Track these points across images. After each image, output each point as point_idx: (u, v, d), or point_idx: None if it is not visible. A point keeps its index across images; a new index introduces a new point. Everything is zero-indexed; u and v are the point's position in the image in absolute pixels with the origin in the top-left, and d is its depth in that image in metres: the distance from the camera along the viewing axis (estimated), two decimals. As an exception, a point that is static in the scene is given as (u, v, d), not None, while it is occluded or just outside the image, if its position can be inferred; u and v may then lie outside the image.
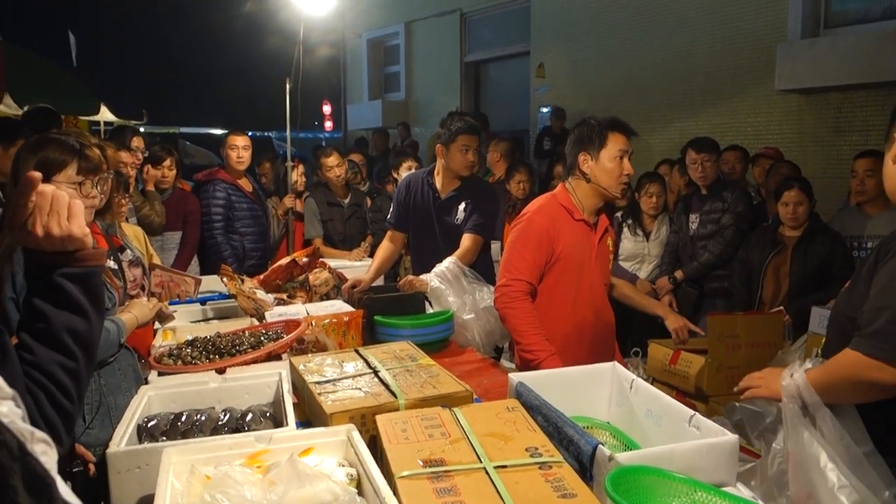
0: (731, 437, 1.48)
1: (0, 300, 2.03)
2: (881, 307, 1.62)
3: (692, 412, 1.61)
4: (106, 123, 8.34)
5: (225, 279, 3.11)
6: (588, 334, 2.76)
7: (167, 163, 4.52)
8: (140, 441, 1.74)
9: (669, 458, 1.42)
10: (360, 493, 1.38)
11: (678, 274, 4.50)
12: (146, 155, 4.59)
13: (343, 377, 1.92)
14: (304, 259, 3.58)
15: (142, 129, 12.59)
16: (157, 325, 2.79)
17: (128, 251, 2.82)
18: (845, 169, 4.22)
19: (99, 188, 2.18)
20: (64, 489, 0.70)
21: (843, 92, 6.26)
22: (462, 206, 3.50)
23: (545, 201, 2.81)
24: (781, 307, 3.76)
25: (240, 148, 4.73)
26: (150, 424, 1.78)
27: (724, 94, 7.21)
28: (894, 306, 1.60)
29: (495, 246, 4.61)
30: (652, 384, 1.93)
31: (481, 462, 1.39)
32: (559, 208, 2.74)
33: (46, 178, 2.04)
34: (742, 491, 1.47)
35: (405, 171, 5.14)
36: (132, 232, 3.38)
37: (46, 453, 0.72)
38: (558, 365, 2.48)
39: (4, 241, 2.04)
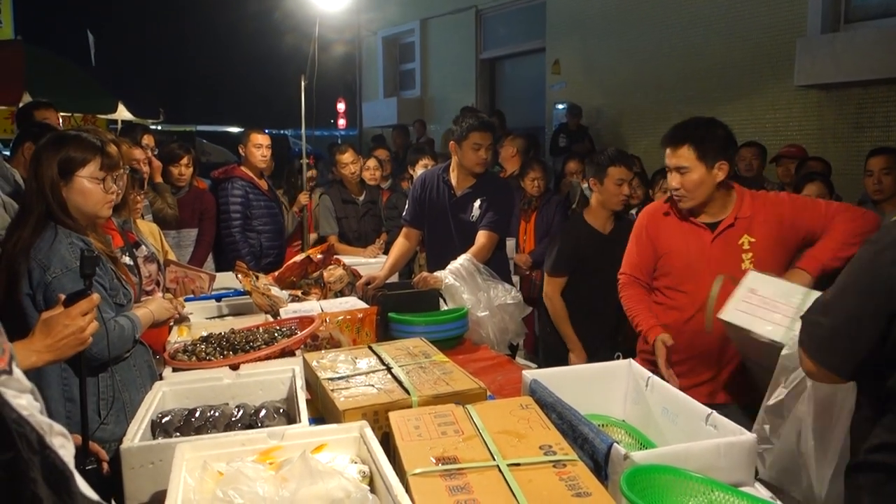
0: (749, 436, 1.46)
1: (17, 296, 2.05)
2: (821, 301, 1.58)
3: (709, 410, 1.58)
4: (123, 122, 8.40)
5: (240, 276, 3.12)
6: (692, 342, 2.53)
7: (184, 160, 4.53)
8: (154, 436, 1.74)
9: (686, 457, 1.40)
10: (373, 490, 1.37)
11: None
12: (156, 153, 4.62)
13: (356, 374, 1.91)
14: (319, 256, 3.58)
15: (159, 128, 12.71)
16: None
17: (143, 247, 2.84)
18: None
19: (117, 184, 2.21)
20: (81, 482, 0.70)
21: (863, 87, 6.17)
22: (478, 203, 3.48)
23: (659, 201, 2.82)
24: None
25: (263, 147, 4.78)
26: (164, 420, 1.79)
27: (742, 90, 7.14)
28: (826, 302, 1.56)
29: (510, 243, 4.59)
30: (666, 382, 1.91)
31: (495, 460, 1.38)
32: (667, 206, 2.69)
33: (69, 175, 2.10)
34: (760, 491, 1.44)
35: (421, 169, 5.13)
36: (147, 228, 3.40)
37: (65, 446, 0.72)
38: (659, 333, 2.49)
39: (24, 236, 2.06)
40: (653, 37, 8.09)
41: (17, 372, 0.71)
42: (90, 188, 2.13)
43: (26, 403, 0.69)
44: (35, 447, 0.65)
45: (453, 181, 3.56)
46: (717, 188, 2.51)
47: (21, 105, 6.25)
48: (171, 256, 3.58)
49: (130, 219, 2.93)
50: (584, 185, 5.32)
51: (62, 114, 6.60)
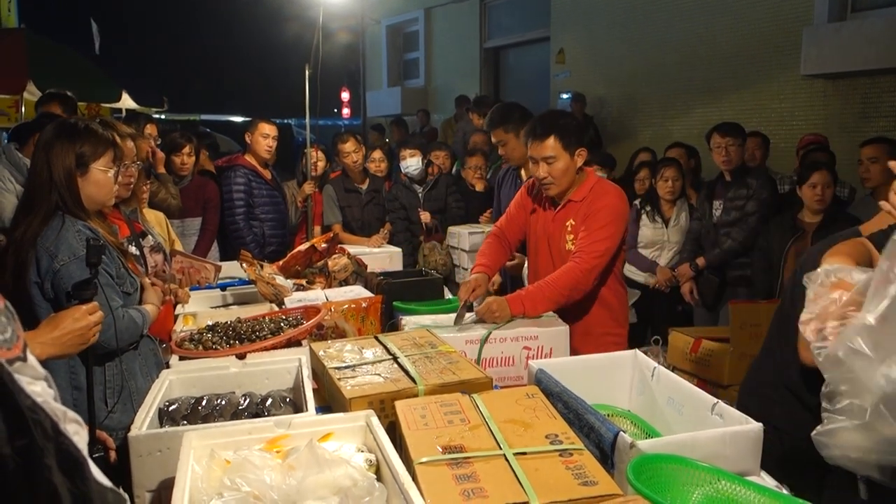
0: (755, 426, 1.46)
1: (25, 285, 2.06)
2: None
3: (715, 400, 1.58)
4: (127, 111, 8.40)
5: (244, 265, 3.12)
6: None
7: (186, 149, 4.52)
8: (161, 425, 1.75)
9: (692, 446, 1.40)
10: (379, 478, 1.37)
11: (700, 261, 4.44)
12: (159, 143, 4.61)
13: (362, 363, 1.91)
14: (323, 245, 3.58)
15: (162, 117, 12.68)
16: (177, 310, 2.81)
17: (149, 237, 2.84)
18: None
19: (125, 175, 2.24)
20: (95, 469, 0.70)
21: (870, 77, 6.13)
22: None
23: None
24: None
25: (270, 137, 4.78)
26: (171, 408, 1.79)
27: (748, 80, 7.10)
28: None
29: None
30: (672, 372, 1.91)
31: (501, 449, 1.38)
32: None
33: (86, 166, 2.13)
34: (766, 480, 1.45)
35: (408, 158, 5.16)
36: (154, 218, 3.40)
37: (78, 433, 0.73)
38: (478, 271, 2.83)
39: (34, 224, 2.07)
40: (658, 26, 8.04)
41: (32, 359, 0.71)
42: (104, 179, 2.16)
43: (41, 390, 0.69)
44: (49, 434, 0.65)
45: (523, 175, 3.62)
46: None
47: (26, 93, 6.24)
48: (178, 245, 3.59)
49: (137, 208, 2.94)
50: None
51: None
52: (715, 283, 4.45)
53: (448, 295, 3.12)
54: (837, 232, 3.62)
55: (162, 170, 4.40)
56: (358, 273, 3.46)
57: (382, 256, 4.49)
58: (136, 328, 2.17)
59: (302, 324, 2.37)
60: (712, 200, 4.47)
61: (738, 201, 4.32)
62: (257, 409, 1.81)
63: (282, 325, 2.35)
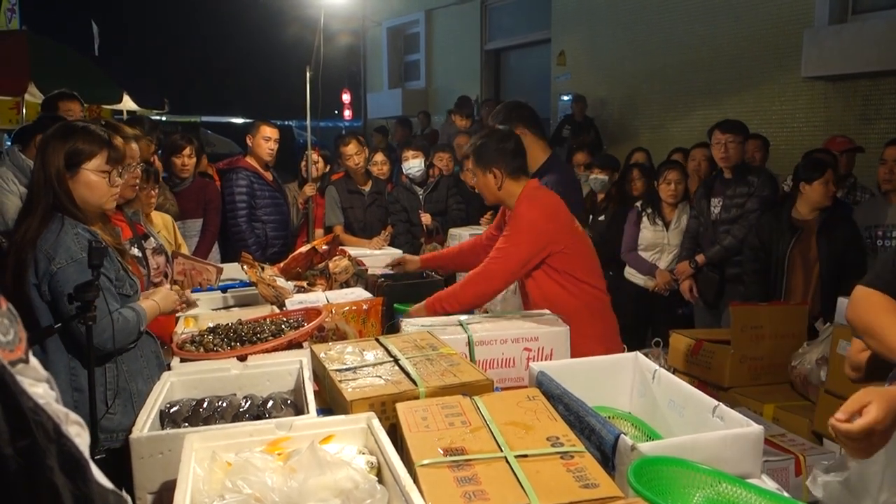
0: (756, 428, 1.46)
1: (23, 286, 2.07)
2: None
3: (716, 402, 1.58)
4: (128, 112, 8.41)
5: (245, 267, 3.12)
6: None
7: (187, 151, 4.53)
8: (162, 426, 1.75)
9: (693, 449, 1.40)
10: (381, 480, 1.37)
11: (699, 258, 4.42)
12: (160, 152, 4.62)
13: (363, 365, 1.91)
14: (324, 247, 3.58)
15: (163, 118, 12.69)
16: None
17: (151, 239, 2.85)
18: (873, 158, 4.15)
19: (123, 177, 2.22)
20: (96, 471, 0.71)
21: (871, 79, 6.14)
22: None
23: None
24: (806, 300, 3.70)
25: (272, 140, 4.80)
26: (172, 410, 1.79)
27: (749, 82, 7.10)
28: None
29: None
30: (673, 374, 1.91)
31: (502, 451, 1.38)
32: None
33: (76, 168, 2.11)
34: (767, 483, 1.45)
35: (411, 160, 5.16)
36: (161, 220, 3.40)
37: (80, 435, 0.73)
38: None
39: (33, 225, 2.07)
40: (659, 28, 8.05)
41: (34, 361, 0.72)
42: (95, 181, 2.14)
43: (42, 392, 0.70)
44: (51, 435, 0.65)
45: None
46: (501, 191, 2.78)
47: (27, 95, 6.24)
48: (184, 249, 3.60)
49: (139, 210, 2.94)
50: (592, 177, 5.31)
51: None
52: (715, 280, 4.43)
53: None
54: (839, 233, 3.67)
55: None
56: (359, 275, 3.46)
57: (383, 258, 4.49)
58: (129, 328, 2.16)
59: (303, 326, 2.37)
60: (710, 198, 4.45)
61: (738, 199, 4.31)
62: (258, 411, 1.81)
63: (283, 327, 2.35)
